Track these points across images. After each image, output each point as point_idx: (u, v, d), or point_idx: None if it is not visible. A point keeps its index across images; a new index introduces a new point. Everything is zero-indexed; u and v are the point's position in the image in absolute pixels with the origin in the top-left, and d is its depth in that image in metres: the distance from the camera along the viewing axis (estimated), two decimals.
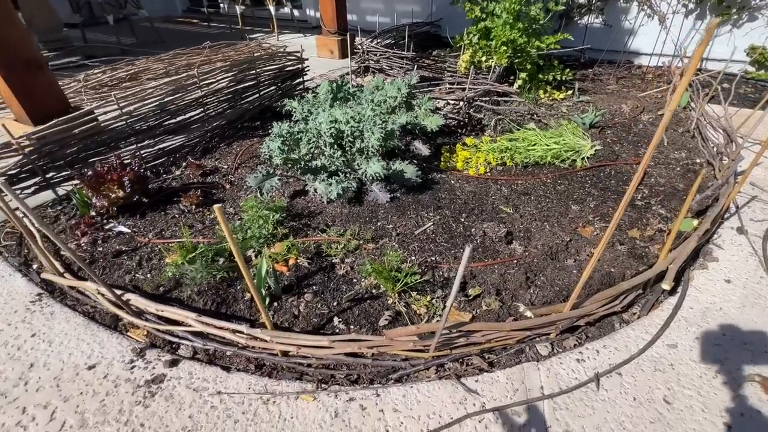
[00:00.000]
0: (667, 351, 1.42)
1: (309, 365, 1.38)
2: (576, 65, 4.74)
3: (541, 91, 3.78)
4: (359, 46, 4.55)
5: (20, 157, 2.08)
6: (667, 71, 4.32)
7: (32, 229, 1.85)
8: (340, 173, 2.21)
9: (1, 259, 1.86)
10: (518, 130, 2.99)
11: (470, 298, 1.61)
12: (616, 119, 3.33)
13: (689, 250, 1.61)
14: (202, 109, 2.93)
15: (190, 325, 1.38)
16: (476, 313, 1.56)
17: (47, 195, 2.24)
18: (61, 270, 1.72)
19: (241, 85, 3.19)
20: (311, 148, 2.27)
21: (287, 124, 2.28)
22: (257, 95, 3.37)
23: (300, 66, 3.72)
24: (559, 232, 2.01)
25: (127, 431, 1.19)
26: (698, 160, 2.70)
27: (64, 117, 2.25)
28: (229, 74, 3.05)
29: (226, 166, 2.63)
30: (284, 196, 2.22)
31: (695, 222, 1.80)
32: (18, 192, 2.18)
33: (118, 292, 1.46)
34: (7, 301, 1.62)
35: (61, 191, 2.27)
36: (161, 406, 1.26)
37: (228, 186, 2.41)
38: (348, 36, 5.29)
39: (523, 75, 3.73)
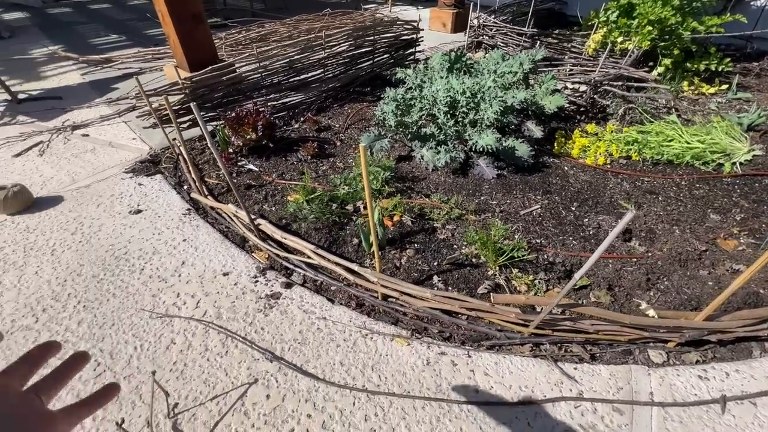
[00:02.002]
0: None
1: (404, 314, 1.46)
2: (737, 56, 3.93)
3: (686, 82, 3.24)
4: (474, 21, 4.36)
5: (182, 95, 2.48)
6: None
7: (186, 156, 2.21)
8: (448, 143, 2.20)
9: (162, 177, 2.27)
10: (651, 122, 2.63)
11: (577, 287, 1.52)
12: None
13: None
14: (321, 71, 3.13)
15: (307, 256, 1.55)
16: (582, 303, 1.47)
17: (195, 131, 2.65)
18: (206, 192, 2.04)
19: (359, 51, 3.32)
20: (423, 114, 2.29)
21: (402, 89, 2.33)
22: (370, 62, 3.48)
23: (414, 36, 3.72)
24: (691, 239, 1.76)
25: (251, 330, 1.40)
26: None
27: (216, 65, 2.60)
28: (351, 39, 3.18)
29: (337, 125, 2.80)
30: (391, 159, 2.30)
31: None
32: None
33: (252, 216, 1.68)
34: (166, 211, 1.99)
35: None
36: (277, 318, 1.45)
37: (338, 143, 2.57)
38: (464, 10, 5.11)
39: (666, 61, 3.23)
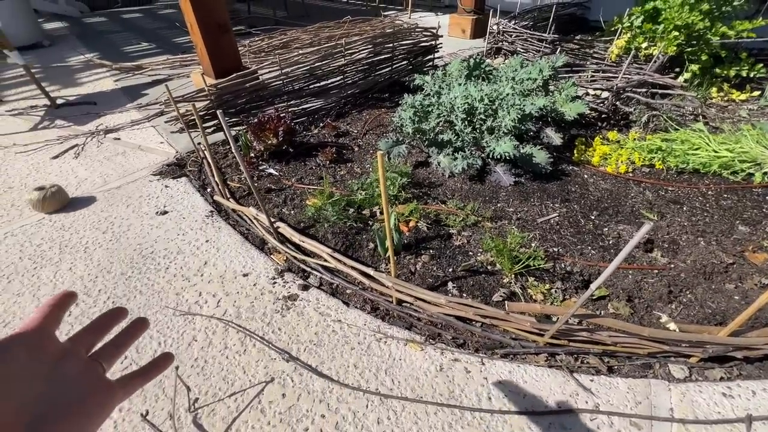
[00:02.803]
0: None
1: (419, 319, 1.47)
2: None
3: (714, 89, 3.14)
4: (494, 27, 4.36)
5: (208, 102, 2.58)
6: None
7: (210, 160, 2.30)
8: (465, 149, 2.21)
9: (187, 180, 2.36)
10: (676, 130, 2.57)
11: (594, 297, 1.50)
12: None
13: None
14: (341, 77, 3.19)
15: (324, 259, 1.58)
16: (600, 314, 1.44)
17: (219, 136, 2.75)
18: (228, 195, 2.11)
19: (378, 57, 3.37)
20: (440, 121, 2.31)
21: (420, 96, 2.35)
22: (389, 68, 3.52)
23: (433, 42, 3.75)
24: (717, 251, 1.70)
25: (269, 330, 1.44)
26: None
27: (240, 73, 2.69)
28: (370, 46, 3.24)
29: (355, 131, 2.85)
30: (408, 164, 2.32)
31: None
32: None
33: (272, 219, 1.73)
34: (190, 212, 2.07)
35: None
36: (294, 319, 1.49)
37: (356, 149, 2.61)
38: (484, 16, 5.11)
39: (693, 67, 3.14)
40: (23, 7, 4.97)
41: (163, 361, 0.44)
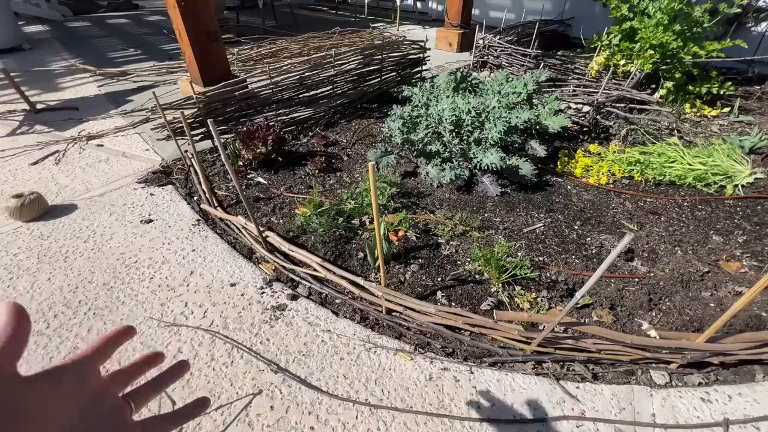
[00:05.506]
0: None
1: (408, 328, 1.47)
2: (739, 80, 4.00)
3: (687, 105, 3.30)
4: (480, 41, 4.48)
5: (195, 109, 2.56)
6: None
7: (198, 168, 2.27)
8: (453, 160, 2.25)
9: (173, 188, 2.32)
10: (653, 143, 2.68)
11: (579, 306, 1.54)
12: None
13: None
14: (330, 87, 3.22)
15: (313, 268, 1.58)
16: (584, 322, 1.48)
17: (206, 144, 2.72)
18: (215, 204, 2.09)
19: (367, 68, 3.42)
20: (429, 132, 2.35)
21: (408, 107, 2.39)
22: (378, 79, 3.57)
23: (421, 55, 3.83)
24: (693, 260, 1.78)
25: (257, 341, 1.42)
26: None
27: (228, 81, 2.69)
28: (359, 57, 3.28)
29: (345, 140, 2.86)
30: (396, 174, 2.34)
31: None
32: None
33: (261, 228, 1.72)
34: (176, 221, 2.04)
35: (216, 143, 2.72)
36: (282, 329, 1.47)
37: (346, 158, 2.63)
38: (470, 30, 5.25)
39: (668, 84, 3.30)
40: (2, 9, 4.85)
41: (196, 407, 0.42)
